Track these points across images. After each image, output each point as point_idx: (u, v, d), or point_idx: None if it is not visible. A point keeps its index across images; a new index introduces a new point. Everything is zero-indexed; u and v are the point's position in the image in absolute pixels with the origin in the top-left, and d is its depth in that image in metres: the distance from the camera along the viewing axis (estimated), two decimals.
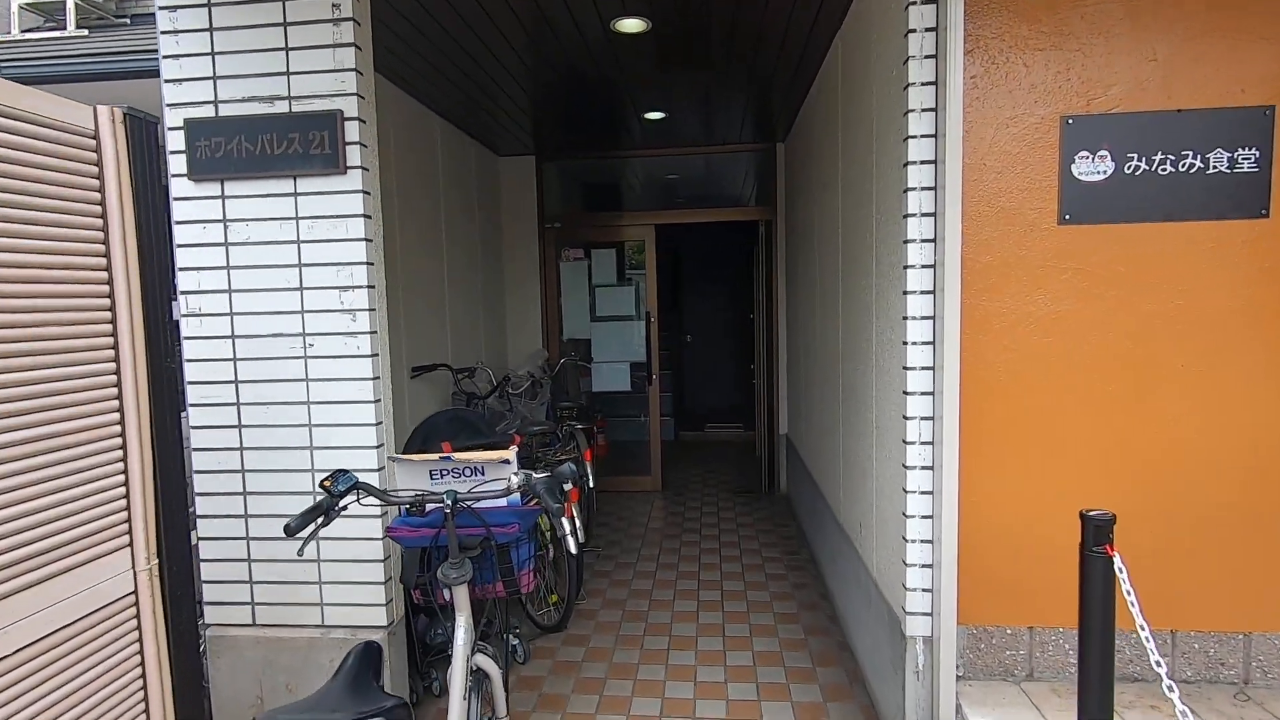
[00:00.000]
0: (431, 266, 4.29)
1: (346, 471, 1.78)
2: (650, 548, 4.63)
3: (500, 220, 5.70)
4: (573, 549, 3.24)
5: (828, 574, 3.80)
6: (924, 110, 2.15)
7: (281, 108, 2.36)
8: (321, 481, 1.70)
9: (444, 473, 1.99)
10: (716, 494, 5.87)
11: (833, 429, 3.75)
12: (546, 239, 5.83)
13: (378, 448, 2.44)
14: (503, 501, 1.99)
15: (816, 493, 4.24)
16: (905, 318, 2.22)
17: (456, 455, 1.92)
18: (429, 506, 1.89)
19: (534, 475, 1.80)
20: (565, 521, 3.31)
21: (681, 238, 9.11)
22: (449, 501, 1.83)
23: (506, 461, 1.93)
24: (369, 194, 2.40)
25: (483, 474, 1.99)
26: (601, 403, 6.95)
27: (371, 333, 2.42)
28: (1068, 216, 2.18)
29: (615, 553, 4.56)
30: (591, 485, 4.39)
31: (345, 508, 1.75)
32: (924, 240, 2.17)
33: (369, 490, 1.82)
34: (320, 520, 1.70)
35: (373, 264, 2.43)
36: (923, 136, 2.16)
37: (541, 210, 5.80)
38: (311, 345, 2.42)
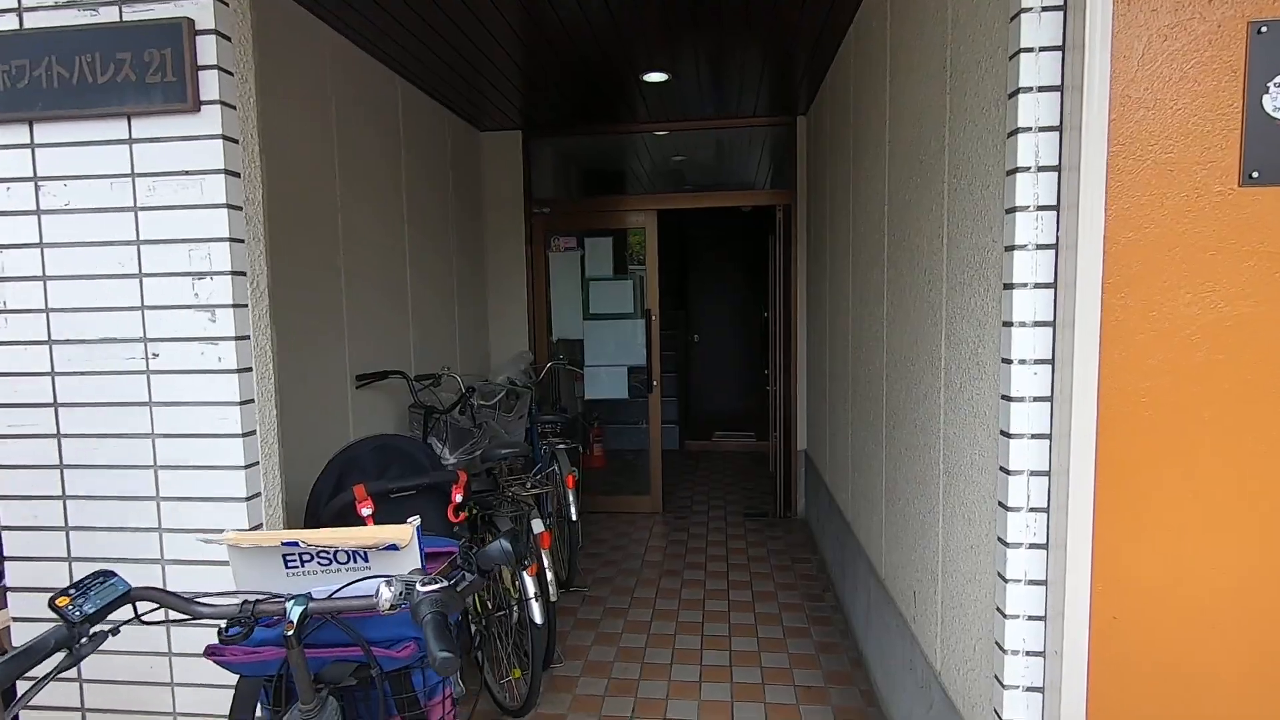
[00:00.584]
0: (388, 254, 3.59)
1: (110, 575, 1.08)
2: (646, 588, 3.92)
3: (482, 204, 5.00)
4: (537, 618, 2.56)
5: (862, 635, 3.08)
6: (1045, 8, 1.42)
7: (109, 15, 1.66)
8: (53, 599, 1.00)
9: (303, 560, 1.28)
10: (724, 516, 5.15)
11: (870, 459, 3.02)
12: (534, 226, 5.13)
13: (249, 500, 1.74)
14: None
15: (845, 527, 3.52)
16: (1009, 324, 1.50)
17: (312, 537, 1.21)
18: (264, 620, 1.19)
19: (418, 589, 1.08)
20: (529, 581, 2.62)
21: (688, 226, 8.39)
22: (293, 613, 1.13)
23: (394, 547, 1.23)
24: (235, 142, 1.70)
25: (366, 562, 1.29)
26: (596, 411, 6.24)
27: (239, 338, 1.72)
28: (1255, 174, 1.44)
29: (604, 594, 3.86)
30: (575, 516, 3.69)
31: (105, 637, 1.05)
32: (1041, 208, 1.45)
33: (159, 599, 1.12)
34: (55, 666, 1.00)
35: (242, 241, 1.72)
36: (1043, 50, 1.43)
37: (529, 193, 5.10)
38: (155, 355, 1.73)
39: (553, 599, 2.73)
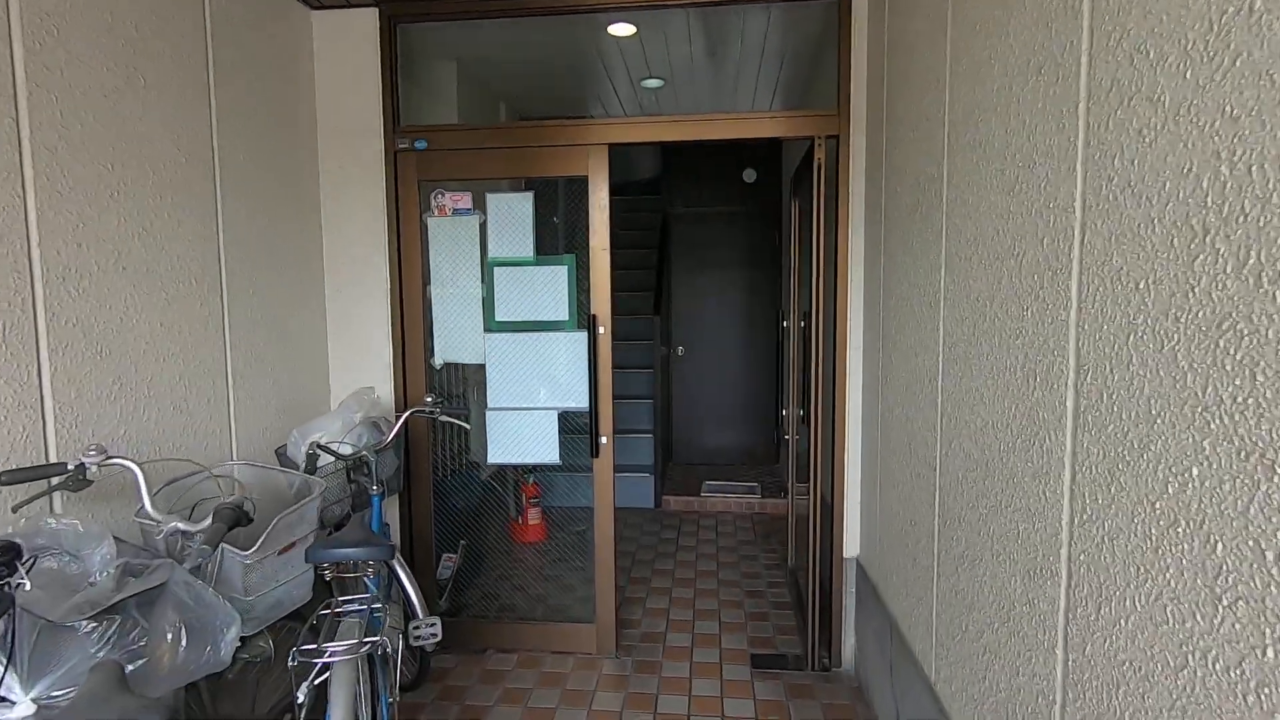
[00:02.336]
0: (99, 226, 1.50)
1: None
2: None
3: (301, 132, 2.91)
4: None
5: None
6: None
7: None
8: None
9: None
10: (718, 663, 3.08)
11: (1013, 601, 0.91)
12: (403, 171, 3.04)
13: None
14: None
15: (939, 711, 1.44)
16: None
17: None
18: None
19: None
20: None
21: (669, 199, 6.31)
22: None
23: None
24: None
25: None
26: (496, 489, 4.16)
27: None
28: None
29: None
30: (392, 700, 1.62)
31: None
32: None
33: None
34: None
35: None
36: None
37: (393, 116, 3.02)
38: None
39: None
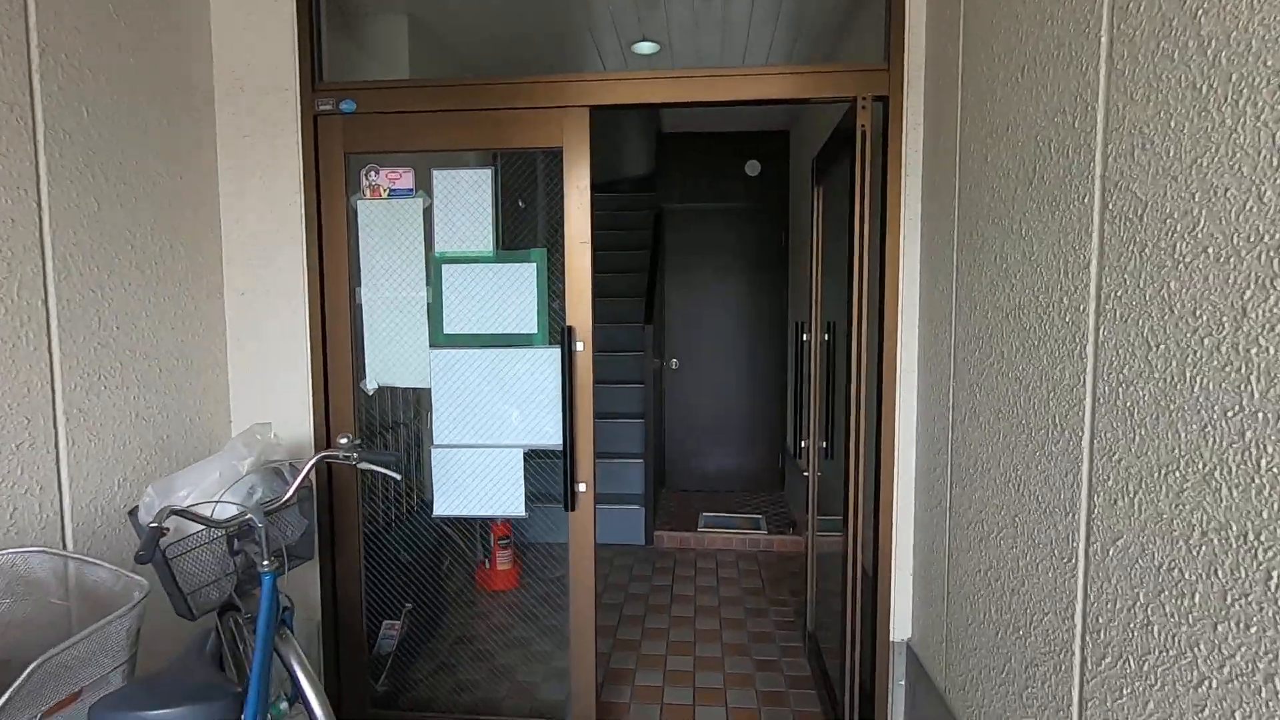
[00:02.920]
0: None
1: None
2: None
3: (188, 92, 2.23)
4: None
5: None
6: None
7: None
8: None
9: None
10: None
11: None
12: (324, 140, 2.36)
13: None
14: None
15: None
16: None
17: None
18: None
19: None
20: None
21: (664, 191, 5.65)
22: None
23: None
24: None
25: None
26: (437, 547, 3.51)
27: None
28: None
29: None
30: None
31: None
32: None
33: None
34: None
35: None
36: None
37: (312, 69, 2.34)
38: None
39: None
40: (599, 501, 4.69)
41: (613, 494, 4.77)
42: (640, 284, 5.34)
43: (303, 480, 1.92)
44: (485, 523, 3.79)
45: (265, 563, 1.85)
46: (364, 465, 1.96)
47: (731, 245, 5.57)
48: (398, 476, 1.98)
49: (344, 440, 1.95)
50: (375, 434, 2.68)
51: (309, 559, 2.11)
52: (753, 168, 5.45)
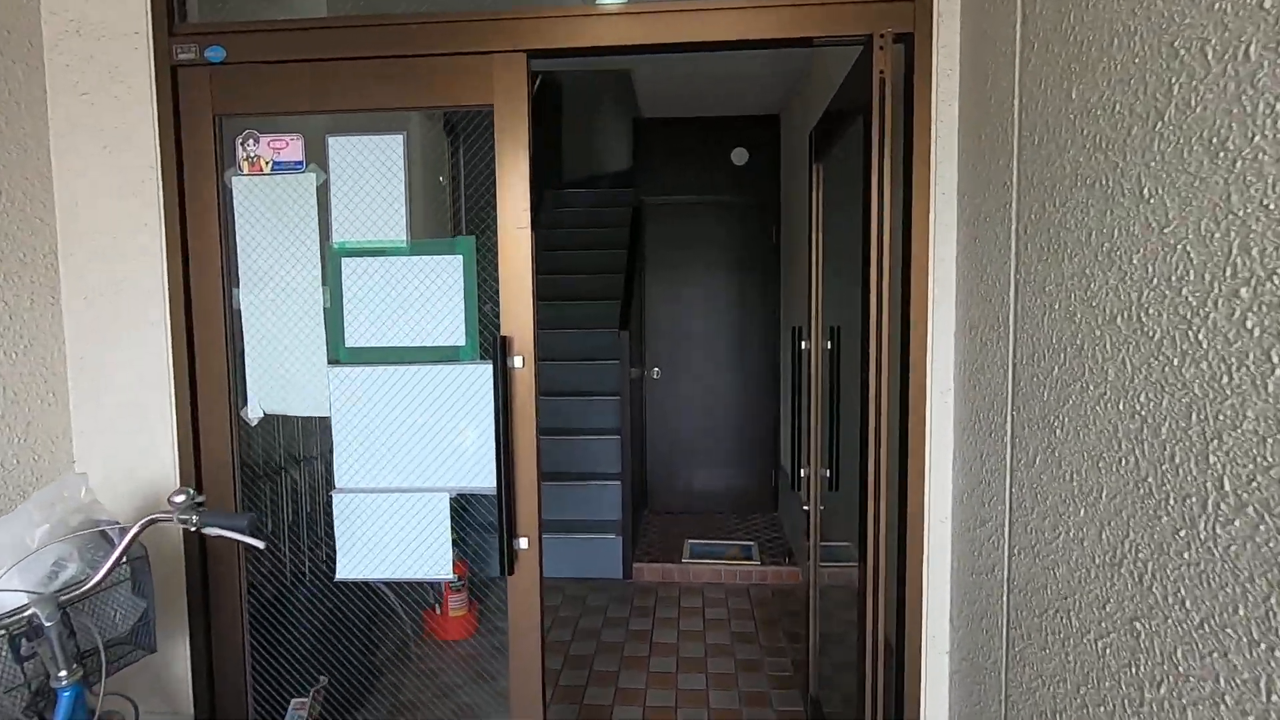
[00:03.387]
0: None
1: None
2: None
3: (10, 34, 1.70)
4: None
5: None
6: None
7: None
8: None
9: None
10: None
11: None
12: (187, 98, 1.84)
13: None
14: None
15: None
16: None
17: None
18: None
19: None
20: None
21: (641, 168, 5.14)
22: None
23: None
24: None
25: None
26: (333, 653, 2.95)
27: None
28: None
29: None
30: None
31: None
32: None
33: None
34: None
35: None
36: None
37: (169, 3, 1.81)
38: None
39: None
40: (568, 530, 4.17)
41: (585, 521, 4.25)
42: (615, 287, 4.83)
43: (123, 552, 1.39)
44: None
45: (62, 673, 1.32)
46: (213, 530, 1.43)
47: (718, 242, 5.07)
48: (259, 545, 1.45)
49: (180, 498, 1.42)
50: (263, 477, 2.15)
51: (150, 651, 1.58)
52: (740, 156, 4.95)
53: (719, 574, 4.07)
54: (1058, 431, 1.21)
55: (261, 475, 2.20)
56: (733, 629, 3.48)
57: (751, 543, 4.39)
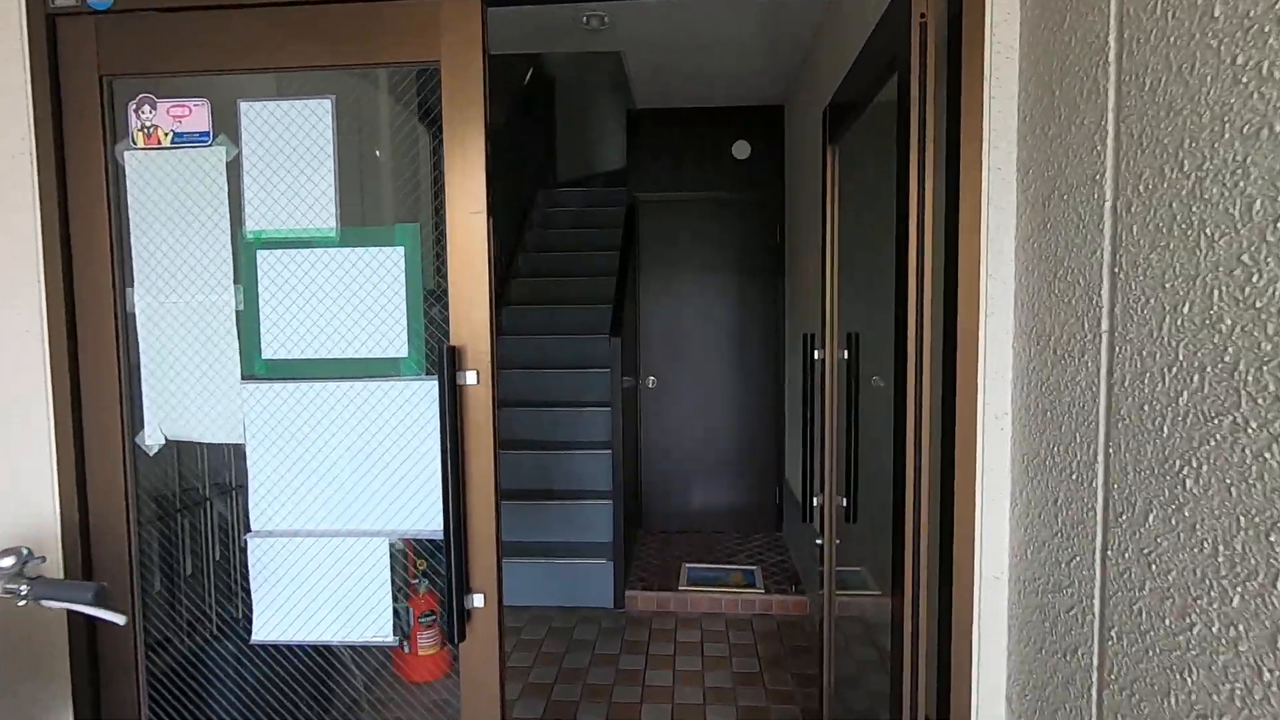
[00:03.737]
0: None
1: None
2: None
3: None
4: None
5: None
6: None
7: None
8: None
9: None
10: None
11: None
12: (66, 55, 1.50)
13: None
14: None
15: None
16: None
17: None
18: None
19: None
20: None
21: (635, 163, 4.81)
22: None
23: None
24: None
25: None
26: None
27: None
28: None
29: None
30: None
31: None
32: None
33: None
34: None
35: None
36: None
37: None
38: None
39: None
40: (554, 554, 3.82)
41: (573, 544, 3.91)
42: (607, 290, 4.50)
43: None
44: (402, 590, 2.92)
45: None
46: (50, 604, 1.09)
47: (718, 242, 4.74)
48: (117, 620, 1.11)
49: (6, 562, 1.08)
50: (181, 510, 1.81)
51: None
52: (741, 150, 4.62)
53: (719, 603, 3.73)
54: (1189, 482, 0.87)
55: (179, 509, 1.86)
56: (734, 668, 3.13)
57: (754, 567, 4.05)
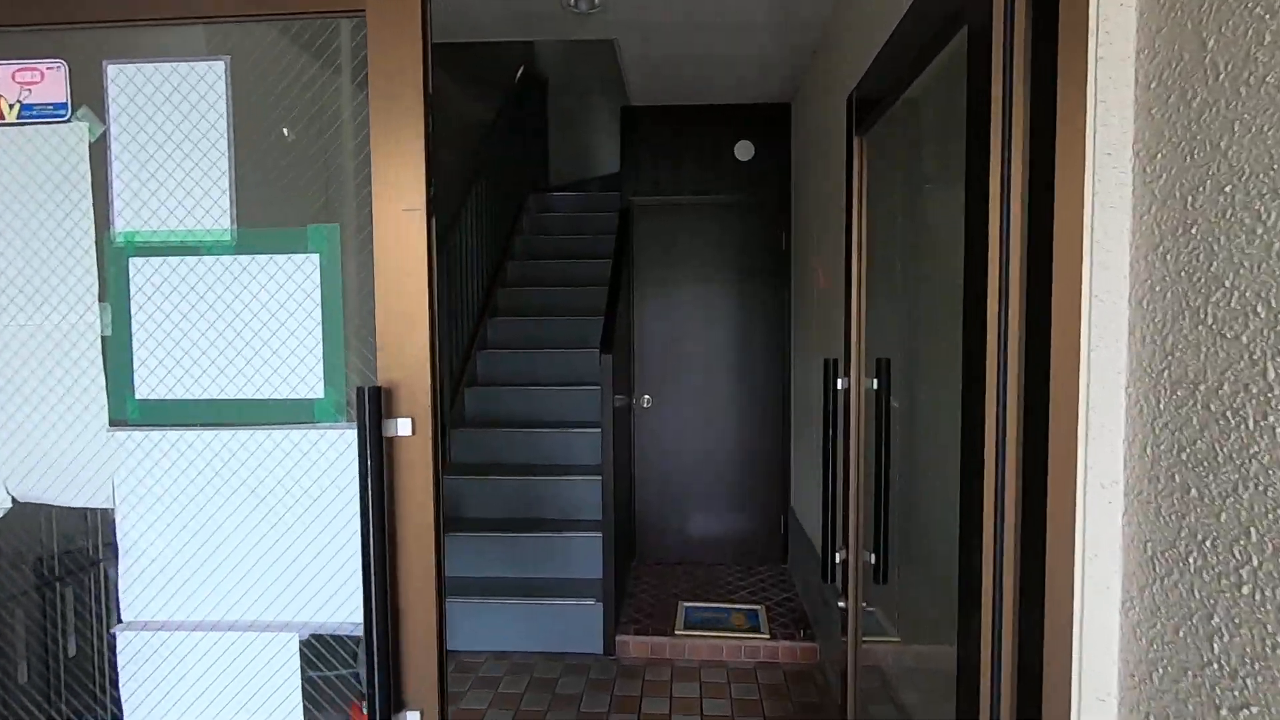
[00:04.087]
0: None
1: None
2: None
3: None
4: None
5: None
6: None
7: None
8: None
9: None
10: None
11: None
12: None
13: None
14: None
15: None
16: None
17: None
18: None
19: None
20: None
21: (630, 164, 4.47)
22: None
23: None
24: None
25: None
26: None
27: None
28: None
29: None
30: None
31: None
32: None
33: None
34: None
35: None
36: None
37: None
38: None
39: None
40: (536, 593, 3.45)
41: (558, 581, 3.56)
42: (598, 301, 4.15)
43: None
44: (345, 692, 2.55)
45: None
46: None
47: (719, 249, 4.40)
48: None
49: None
50: (46, 585, 1.45)
51: None
52: (744, 150, 4.29)
53: (720, 649, 3.37)
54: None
55: (58, 576, 1.50)
56: None
57: (758, 607, 3.69)
